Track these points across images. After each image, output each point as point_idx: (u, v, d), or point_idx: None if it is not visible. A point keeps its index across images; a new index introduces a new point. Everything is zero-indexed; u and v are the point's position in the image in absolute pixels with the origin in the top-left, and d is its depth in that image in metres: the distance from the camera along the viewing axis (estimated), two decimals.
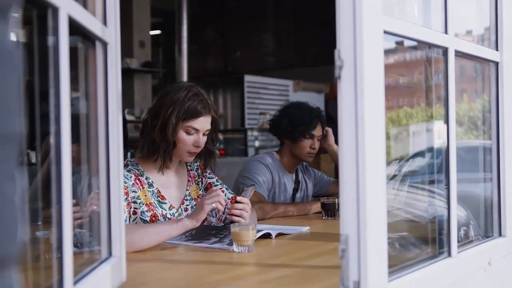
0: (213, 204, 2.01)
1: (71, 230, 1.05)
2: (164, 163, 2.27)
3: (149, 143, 2.24)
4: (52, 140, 1.04)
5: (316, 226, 2.51)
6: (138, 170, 2.24)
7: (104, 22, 1.37)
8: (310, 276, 1.62)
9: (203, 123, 2.25)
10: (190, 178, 2.42)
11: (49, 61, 1.05)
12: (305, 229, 2.38)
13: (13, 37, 0.59)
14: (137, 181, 2.20)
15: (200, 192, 2.42)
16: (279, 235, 2.20)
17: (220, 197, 2.04)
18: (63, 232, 1.03)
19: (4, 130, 0.56)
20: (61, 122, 1.03)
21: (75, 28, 1.14)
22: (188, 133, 2.23)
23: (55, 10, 1.01)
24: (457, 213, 1.59)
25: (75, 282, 1.11)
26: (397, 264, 1.36)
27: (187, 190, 2.39)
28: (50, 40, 1.04)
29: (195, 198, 2.40)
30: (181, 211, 2.32)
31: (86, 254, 1.48)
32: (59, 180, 1.02)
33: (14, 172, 0.57)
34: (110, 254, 1.40)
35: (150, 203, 2.22)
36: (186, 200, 2.37)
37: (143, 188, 2.22)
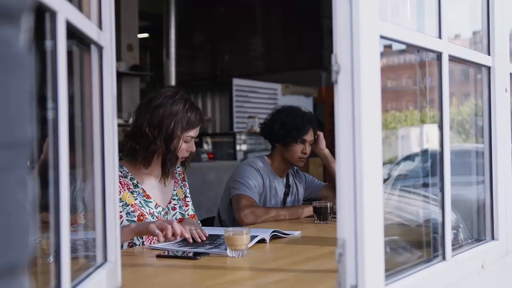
0: (157, 231, 1.95)
1: (69, 235, 1.04)
2: (170, 173, 2.37)
3: (151, 154, 2.29)
4: (49, 144, 1.03)
5: (308, 230, 2.52)
6: (121, 172, 2.27)
7: (100, 26, 1.37)
8: (305, 280, 1.62)
9: (198, 130, 2.37)
10: (176, 180, 2.50)
11: (46, 64, 1.04)
12: (297, 233, 2.38)
13: (24, 41, 0.58)
14: (119, 183, 2.22)
15: (183, 195, 2.52)
16: (273, 238, 2.20)
17: (168, 230, 1.97)
18: (60, 237, 1.02)
19: (16, 136, 0.55)
20: (59, 126, 1.02)
21: (71, 32, 1.13)
22: (185, 141, 2.33)
23: (53, 14, 1.01)
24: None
25: None
26: (393, 268, 1.36)
27: (174, 190, 2.46)
28: (48, 43, 1.04)
29: (182, 199, 2.49)
30: (168, 209, 2.40)
31: (81, 259, 1.47)
32: (57, 185, 1.01)
33: (26, 178, 0.57)
34: (105, 259, 1.39)
35: (135, 203, 2.27)
36: (174, 199, 2.45)
37: (125, 190, 2.27)
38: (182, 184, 2.53)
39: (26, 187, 0.57)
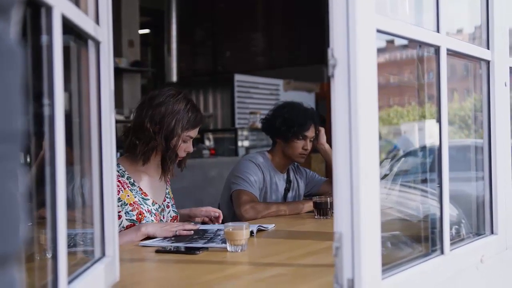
0: (177, 232, 2.16)
1: (65, 230, 1.04)
2: (169, 170, 2.40)
3: (150, 150, 2.30)
4: (44, 140, 1.03)
5: (308, 225, 2.52)
6: (118, 172, 2.28)
7: (97, 21, 1.37)
8: (303, 274, 1.62)
9: (197, 131, 2.40)
10: (168, 179, 2.53)
11: (42, 60, 1.04)
12: (271, 226, 2.40)
13: (14, 35, 0.59)
14: (118, 182, 2.24)
15: (172, 195, 2.55)
16: (259, 231, 2.24)
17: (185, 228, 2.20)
18: (57, 232, 1.02)
19: (7, 128, 0.56)
20: (55, 122, 1.02)
21: (68, 27, 1.13)
22: (184, 141, 2.35)
23: (49, 9, 1.01)
24: (449, 212, 1.59)
25: (69, 282, 1.11)
26: (390, 262, 1.36)
27: (167, 189, 2.51)
28: (43, 39, 1.04)
29: (172, 198, 2.53)
30: (164, 207, 2.44)
31: (79, 254, 1.47)
32: (54, 181, 1.02)
33: (17, 170, 0.58)
34: (103, 253, 1.39)
35: (134, 202, 2.30)
36: (167, 197, 2.49)
37: (124, 189, 2.28)
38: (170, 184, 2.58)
39: (17, 178, 0.58)
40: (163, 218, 2.40)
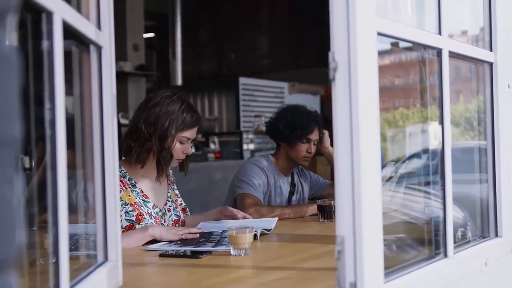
0: (182, 236, 2.15)
1: (67, 234, 1.04)
2: (165, 172, 2.39)
3: (146, 151, 2.30)
4: (47, 145, 1.04)
5: (312, 228, 2.51)
6: (120, 172, 2.28)
7: (98, 26, 1.37)
8: (306, 278, 1.62)
9: (195, 132, 2.39)
10: (169, 182, 2.53)
11: (43, 65, 1.05)
12: (274, 222, 2.41)
13: (10, 41, 0.59)
14: (119, 182, 2.24)
15: (176, 197, 2.55)
16: (262, 234, 2.24)
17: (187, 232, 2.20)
18: (59, 236, 1.02)
19: (3, 134, 0.56)
20: (56, 126, 1.02)
21: (69, 32, 1.14)
22: (181, 142, 2.35)
23: (49, 15, 1.01)
24: (454, 215, 1.59)
25: (71, 286, 1.11)
26: (393, 265, 1.36)
27: (168, 192, 2.50)
28: (44, 44, 1.04)
29: (174, 201, 2.52)
30: (165, 210, 2.44)
31: (82, 258, 1.47)
32: (55, 184, 1.02)
33: (13, 176, 0.58)
34: (106, 258, 1.39)
35: (134, 202, 2.30)
36: (169, 201, 2.48)
37: (126, 189, 2.29)
38: (174, 187, 2.57)
39: (13, 184, 0.58)
40: (164, 222, 2.39)
